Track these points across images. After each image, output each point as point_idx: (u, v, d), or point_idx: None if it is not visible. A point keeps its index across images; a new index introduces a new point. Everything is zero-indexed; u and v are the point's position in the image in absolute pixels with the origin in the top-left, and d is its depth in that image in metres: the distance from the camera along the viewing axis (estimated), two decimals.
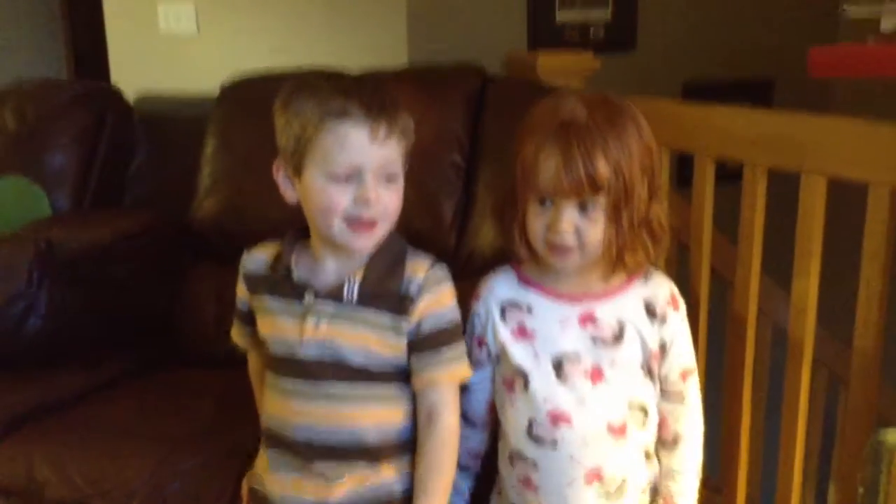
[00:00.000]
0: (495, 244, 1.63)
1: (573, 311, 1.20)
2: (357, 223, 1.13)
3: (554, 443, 1.18)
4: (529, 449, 1.20)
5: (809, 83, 2.24)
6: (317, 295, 1.17)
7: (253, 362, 1.36)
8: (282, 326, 1.19)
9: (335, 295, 1.17)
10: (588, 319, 1.19)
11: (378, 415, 1.19)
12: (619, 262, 1.16)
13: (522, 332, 1.21)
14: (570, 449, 1.18)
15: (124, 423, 1.59)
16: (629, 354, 1.19)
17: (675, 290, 1.24)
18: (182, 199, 2.02)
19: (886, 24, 1.19)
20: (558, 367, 1.18)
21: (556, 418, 1.18)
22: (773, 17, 2.86)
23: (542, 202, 1.14)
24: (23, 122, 2.13)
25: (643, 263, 1.19)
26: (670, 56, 2.70)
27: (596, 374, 1.18)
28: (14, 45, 3.75)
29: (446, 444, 1.18)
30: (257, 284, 1.24)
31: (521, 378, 1.20)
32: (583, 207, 1.12)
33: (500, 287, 1.24)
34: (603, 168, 1.09)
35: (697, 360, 1.51)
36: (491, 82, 1.88)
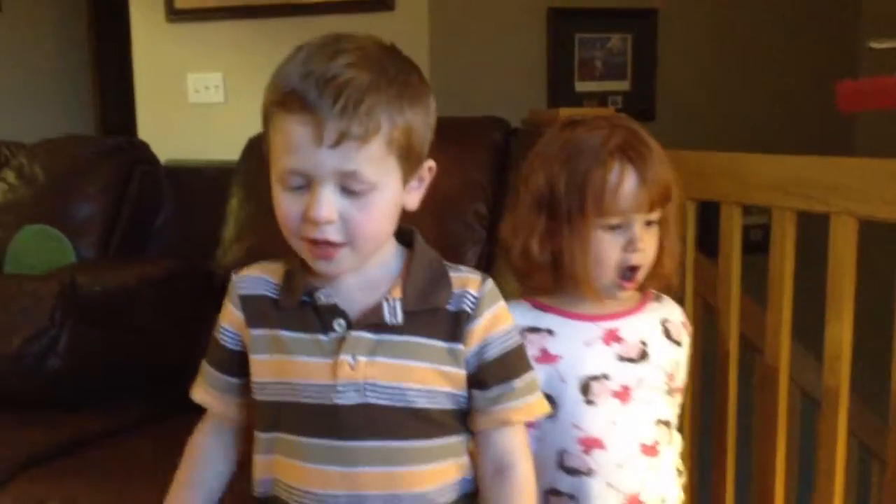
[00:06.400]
0: (519, 290, 1.62)
1: (597, 330, 1.18)
2: (313, 244, 0.91)
3: (589, 471, 1.14)
4: (564, 482, 1.15)
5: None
6: (348, 323, 0.94)
7: (209, 426, 1.07)
8: (305, 368, 0.94)
9: (373, 321, 0.94)
10: (613, 338, 1.17)
11: (442, 473, 0.97)
12: (670, 278, 1.19)
13: (546, 357, 1.16)
14: (607, 475, 1.14)
15: (139, 466, 1.55)
16: (653, 372, 1.18)
17: (685, 314, 1.27)
18: (207, 250, 2.02)
19: None
20: (585, 389, 1.15)
21: (589, 444, 1.14)
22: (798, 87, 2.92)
23: (612, 227, 1.12)
24: (52, 174, 2.17)
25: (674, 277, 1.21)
26: (689, 125, 2.74)
27: (624, 394, 1.16)
28: (43, 117, 3.85)
29: (526, 497, 0.98)
30: (262, 314, 0.98)
31: None
32: (648, 223, 1.14)
33: (515, 315, 1.15)
34: (668, 176, 1.13)
35: (727, 422, 1.53)
36: (514, 134, 1.90)
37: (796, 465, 1.72)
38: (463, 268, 1.01)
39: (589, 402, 1.14)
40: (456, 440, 0.99)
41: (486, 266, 1.77)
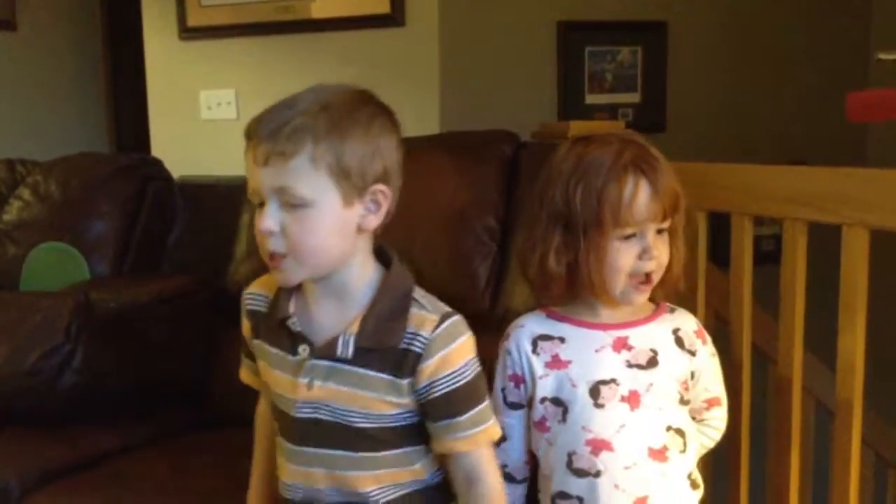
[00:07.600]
0: (529, 303, 1.62)
1: (608, 338, 1.22)
2: (269, 257, 1.05)
3: (597, 473, 1.16)
4: (572, 484, 1.18)
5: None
6: (312, 349, 1.08)
7: (262, 405, 1.26)
8: (277, 380, 1.11)
9: (330, 351, 1.07)
10: (622, 345, 1.21)
11: (388, 477, 1.11)
12: (678, 283, 1.22)
13: (557, 363, 1.21)
14: (614, 476, 1.16)
15: (157, 480, 1.57)
16: (664, 380, 1.20)
17: (700, 325, 1.29)
18: (220, 265, 2.04)
19: None
20: (595, 393, 1.18)
21: (597, 446, 1.17)
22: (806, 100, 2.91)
23: (627, 237, 1.17)
24: (66, 192, 2.19)
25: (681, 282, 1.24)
26: (699, 137, 2.74)
27: (633, 399, 1.18)
28: (58, 135, 3.89)
29: None
30: (259, 326, 1.15)
31: (558, 410, 1.20)
32: (659, 231, 1.19)
33: (530, 323, 1.25)
34: (676, 186, 1.18)
35: (740, 433, 1.50)
36: (524, 147, 1.91)
37: (811, 476, 1.71)
38: (428, 304, 1.09)
39: (598, 406, 1.18)
40: (405, 451, 1.11)
41: (496, 279, 1.77)
